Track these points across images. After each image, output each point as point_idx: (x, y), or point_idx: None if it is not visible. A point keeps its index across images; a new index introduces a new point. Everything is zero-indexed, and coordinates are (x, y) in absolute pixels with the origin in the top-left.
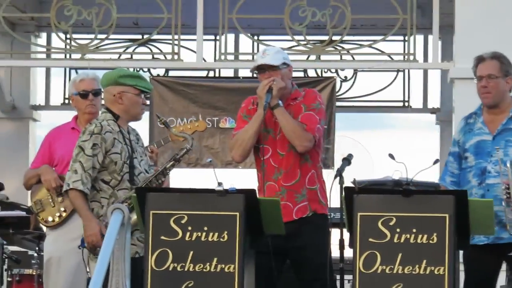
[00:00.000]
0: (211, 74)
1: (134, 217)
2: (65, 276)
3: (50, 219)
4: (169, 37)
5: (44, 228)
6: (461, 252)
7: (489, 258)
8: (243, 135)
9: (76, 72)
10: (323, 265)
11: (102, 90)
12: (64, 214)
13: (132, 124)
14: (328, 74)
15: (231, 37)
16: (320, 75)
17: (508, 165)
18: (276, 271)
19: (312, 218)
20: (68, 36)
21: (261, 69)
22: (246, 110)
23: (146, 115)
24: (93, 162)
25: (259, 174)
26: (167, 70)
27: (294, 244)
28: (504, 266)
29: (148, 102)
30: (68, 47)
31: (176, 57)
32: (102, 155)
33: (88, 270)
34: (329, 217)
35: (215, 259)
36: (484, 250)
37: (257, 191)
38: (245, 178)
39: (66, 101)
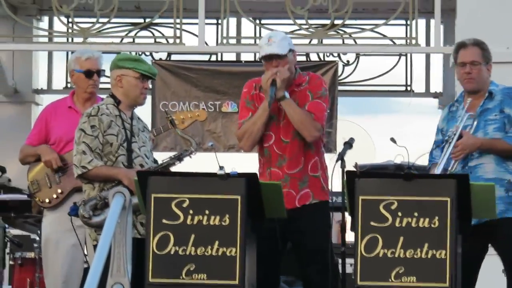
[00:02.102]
0: (213, 58)
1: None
2: (63, 257)
3: (46, 200)
4: (171, 21)
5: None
6: None
7: (474, 239)
8: (251, 126)
9: None
10: (323, 249)
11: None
12: (61, 196)
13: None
14: (330, 58)
15: (232, 21)
16: (322, 59)
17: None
18: (277, 254)
19: (315, 206)
20: (70, 20)
21: (268, 57)
22: (249, 96)
23: (148, 99)
24: (96, 142)
25: (261, 159)
26: (169, 54)
27: (295, 229)
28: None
29: (150, 86)
30: (70, 31)
31: (178, 41)
32: (101, 136)
33: (86, 252)
34: (330, 201)
35: (217, 243)
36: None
37: (258, 175)
38: (246, 162)
39: (69, 85)
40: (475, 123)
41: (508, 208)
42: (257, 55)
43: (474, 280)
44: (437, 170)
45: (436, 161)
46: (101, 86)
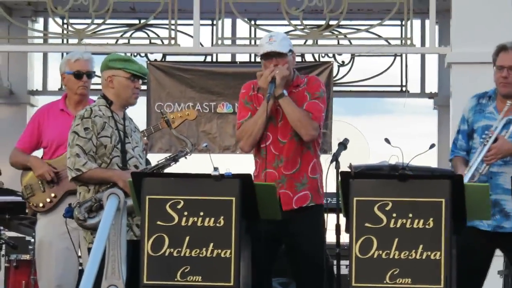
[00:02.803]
0: (208, 59)
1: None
2: (57, 260)
3: (40, 204)
4: (166, 22)
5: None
6: None
7: (484, 244)
8: (252, 126)
9: None
10: (317, 252)
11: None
12: (54, 200)
13: (130, 109)
14: (326, 59)
15: (228, 22)
16: (317, 60)
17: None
18: (270, 257)
19: (312, 208)
20: (65, 21)
21: (268, 56)
22: (247, 96)
23: (143, 100)
24: (90, 145)
25: (257, 160)
26: (164, 55)
27: (289, 231)
28: (498, 252)
29: (143, 87)
30: (65, 32)
31: (173, 42)
32: (95, 138)
33: (79, 253)
34: (325, 202)
35: (211, 244)
36: (482, 235)
37: (253, 177)
38: (241, 163)
39: (63, 87)
40: (511, 128)
41: None
42: (252, 56)
43: (481, 285)
44: (468, 173)
45: (459, 153)
46: (94, 87)
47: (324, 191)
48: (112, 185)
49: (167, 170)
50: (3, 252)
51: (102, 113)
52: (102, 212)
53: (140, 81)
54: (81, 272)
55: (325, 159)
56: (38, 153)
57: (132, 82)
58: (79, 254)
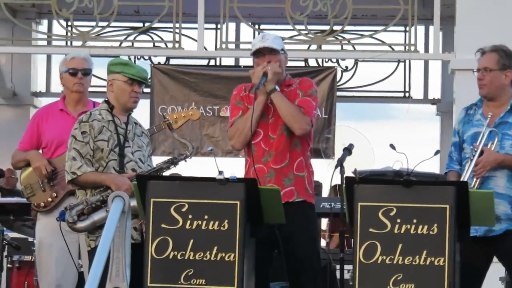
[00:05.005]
0: (212, 62)
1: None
2: (57, 260)
3: (42, 204)
4: (170, 25)
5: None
6: None
7: (478, 250)
8: (243, 123)
9: None
10: (312, 256)
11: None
12: (55, 200)
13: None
14: (329, 64)
15: (232, 26)
16: (321, 65)
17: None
18: (267, 260)
19: (300, 205)
20: (69, 23)
21: (260, 53)
22: (239, 97)
23: (147, 103)
24: (87, 148)
25: (247, 159)
26: (168, 58)
27: (283, 234)
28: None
29: (147, 90)
30: (69, 34)
31: (177, 45)
32: (92, 141)
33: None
34: (329, 206)
35: (215, 248)
36: (474, 242)
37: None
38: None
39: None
40: (497, 138)
41: None
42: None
43: None
44: None
45: (454, 167)
46: (96, 89)
47: (328, 195)
48: (105, 188)
49: (169, 173)
50: (5, 253)
51: (101, 117)
52: (93, 215)
53: (142, 86)
54: (80, 275)
55: (328, 163)
56: None
57: (130, 86)
58: (77, 256)
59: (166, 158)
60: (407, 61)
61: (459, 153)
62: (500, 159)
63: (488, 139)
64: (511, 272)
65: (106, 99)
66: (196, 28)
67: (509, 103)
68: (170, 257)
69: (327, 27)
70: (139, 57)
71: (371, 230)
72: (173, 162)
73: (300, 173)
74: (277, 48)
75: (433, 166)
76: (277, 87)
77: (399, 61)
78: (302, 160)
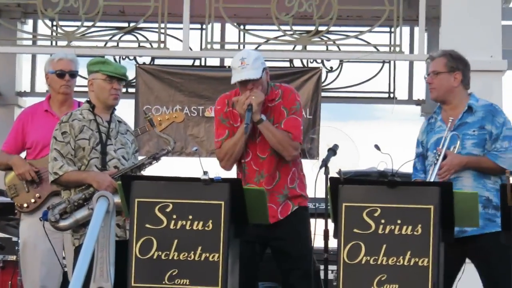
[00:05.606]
0: (197, 63)
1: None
2: (41, 261)
3: (25, 205)
4: (156, 25)
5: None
6: None
7: (450, 252)
8: (231, 148)
9: None
10: (305, 255)
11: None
12: (38, 201)
13: (118, 111)
14: (314, 65)
15: (217, 26)
16: (306, 66)
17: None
18: (257, 260)
19: (294, 211)
20: (54, 23)
21: (243, 82)
22: (223, 114)
23: (131, 103)
24: (68, 148)
25: (239, 173)
26: (153, 59)
27: (275, 234)
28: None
29: (131, 90)
30: (54, 34)
31: (162, 45)
32: (73, 141)
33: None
34: (314, 207)
35: (200, 248)
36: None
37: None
38: None
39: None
40: (459, 142)
41: (487, 224)
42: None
43: None
44: None
45: (419, 177)
46: (81, 89)
47: (314, 196)
48: (87, 186)
49: (155, 173)
50: None
51: (82, 116)
52: (75, 214)
53: (121, 82)
54: (64, 275)
55: (313, 164)
56: (23, 154)
57: (109, 83)
58: (63, 255)
59: None
60: (392, 62)
61: (422, 163)
62: (464, 161)
63: (451, 143)
64: (483, 273)
65: (88, 99)
66: (181, 29)
67: (465, 104)
68: (154, 257)
69: (312, 28)
70: (124, 57)
71: (355, 230)
72: (155, 157)
73: (292, 184)
74: (258, 77)
75: None
76: (263, 117)
77: (384, 62)
78: (294, 171)
